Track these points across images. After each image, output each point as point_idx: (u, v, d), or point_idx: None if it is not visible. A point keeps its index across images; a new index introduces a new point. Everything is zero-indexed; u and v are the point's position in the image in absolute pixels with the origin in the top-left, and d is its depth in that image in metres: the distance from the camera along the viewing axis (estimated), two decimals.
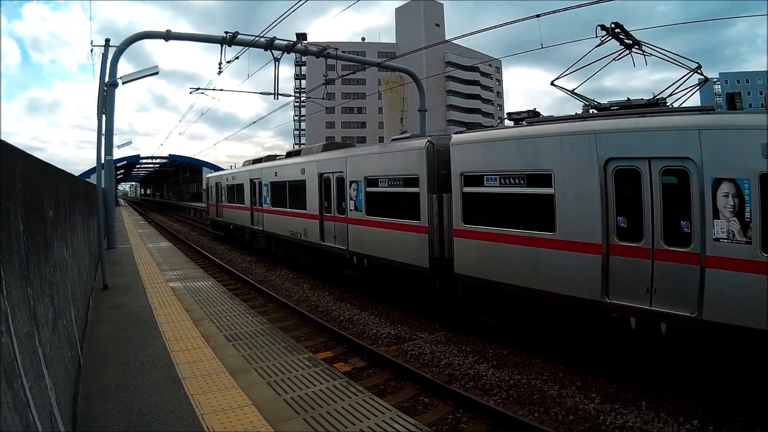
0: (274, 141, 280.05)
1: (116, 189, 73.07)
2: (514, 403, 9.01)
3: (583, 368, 10.37)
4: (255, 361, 7.98)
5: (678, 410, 8.54)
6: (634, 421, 8.22)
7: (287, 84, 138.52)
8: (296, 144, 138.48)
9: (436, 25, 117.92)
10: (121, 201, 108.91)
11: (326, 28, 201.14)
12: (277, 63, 24.32)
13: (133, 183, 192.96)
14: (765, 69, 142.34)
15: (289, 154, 25.02)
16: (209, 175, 43.66)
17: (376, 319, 14.51)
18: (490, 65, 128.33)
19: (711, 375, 8.89)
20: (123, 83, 22.37)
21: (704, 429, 7.95)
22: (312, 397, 6.55)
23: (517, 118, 12.58)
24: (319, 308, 15.87)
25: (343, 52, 28.33)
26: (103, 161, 20.34)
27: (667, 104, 10.07)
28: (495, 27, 18.05)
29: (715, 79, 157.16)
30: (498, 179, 11.58)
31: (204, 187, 46.00)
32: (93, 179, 20.57)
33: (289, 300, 16.46)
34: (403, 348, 11.87)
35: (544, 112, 11.92)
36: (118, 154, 44.64)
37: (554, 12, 15.54)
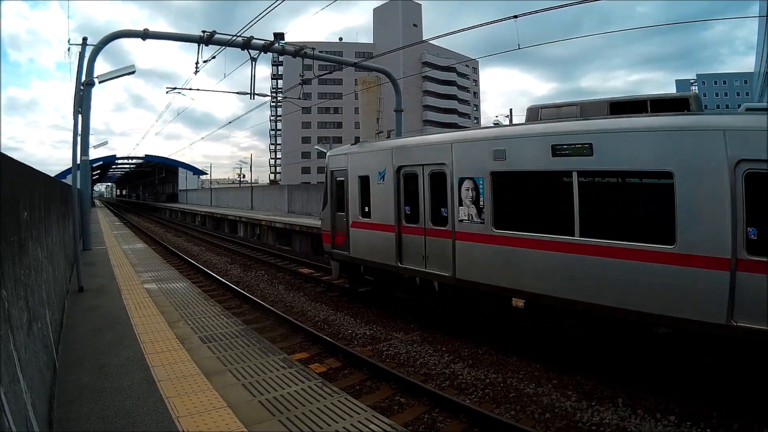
0: (251, 141, 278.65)
1: (92, 190, 72.14)
2: (490, 402, 9.08)
3: (560, 366, 10.51)
4: (230, 362, 7.94)
5: (655, 407, 8.67)
6: (611, 418, 8.32)
7: (264, 84, 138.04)
8: (272, 144, 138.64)
9: (414, 25, 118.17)
10: (97, 202, 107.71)
11: (304, 28, 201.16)
12: (253, 63, 24.26)
13: (109, 184, 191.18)
14: (742, 71, 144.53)
15: None
16: (343, 149, 17.84)
17: (351, 319, 14.61)
18: (467, 65, 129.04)
19: (685, 374, 9.14)
20: (99, 82, 22.09)
21: (681, 425, 8.07)
22: (287, 398, 6.54)
23: None
24: (294, 309, 15.92)
25: (320, 52, 28.30)
26: (78, 162, 20.07)
27: None
28: (472, 27, 18.19)
29: (692, 80, 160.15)
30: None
31: (326, 178, 18.60)
32: (69, 180, 20.35)
33: (264, 301, 16.47)
34: (379, 348, 11.95)
35: (520, 113, 12.94)
36: (94, 154, 41.59)
37: (532, 13, 15.71)
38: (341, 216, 16.77)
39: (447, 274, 12.34)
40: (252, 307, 15.95)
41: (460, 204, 11.96)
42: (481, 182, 11.49)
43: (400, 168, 13.94)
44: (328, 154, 18.52)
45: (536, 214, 10.74)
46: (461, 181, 11.94)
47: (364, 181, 15.53)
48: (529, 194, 10.96)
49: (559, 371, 10.33)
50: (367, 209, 15.49)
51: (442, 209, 12.60)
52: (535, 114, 11.94)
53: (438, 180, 12.73)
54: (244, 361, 8.03)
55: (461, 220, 11.95)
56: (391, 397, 9.18)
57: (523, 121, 12.16)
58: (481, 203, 11.48)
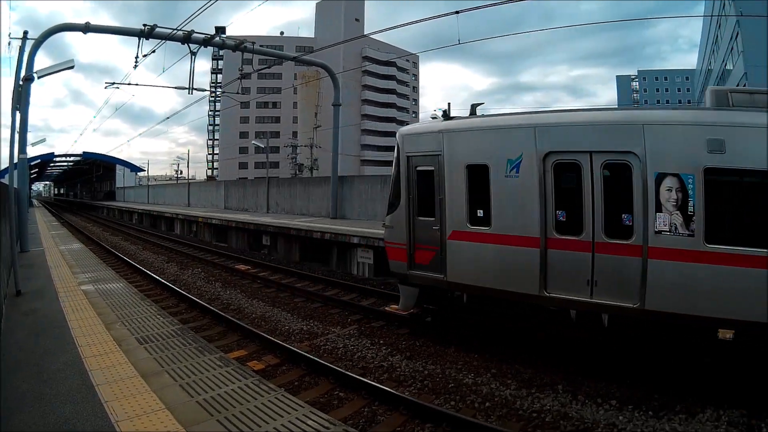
0: (189, 137, 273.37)
1: (30, 189, 69.89)
2: (429, 393, 9.19)
3: (498, 356, 10.72)
4: (167, 363, 7.85)
5: (596, 392, 8.94)
6: (551, 405, 8.54)
7: (204, 78, 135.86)
8: (209, 140, 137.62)
9: (356, 20, 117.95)
10: (35, 202, 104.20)
11: (247, 22, 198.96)
12: (193, 57, 24.00)
13: (48, 182, 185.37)
14: (684, 68, 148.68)
15: None
16: (432, 124, 13.47)
17: (289, 315, 14.60)
18: (408, 60, 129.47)
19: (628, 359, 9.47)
20: (38, 77, 21.47)
21: (623, 408, 8.33)
22: (225, 398, 6.52)
23: None
24: (231, 306, 15.81)
25: (260, 46, 28.12)
26: (16, 160, 19.51)
27: None
28: (414, 22, 18.38)
29: (633, 76, 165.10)
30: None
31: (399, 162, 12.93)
32: (6, 179, 19.74)
33: (201, 299, 16.27)
34: (316, 343, 11.98)
35: (460, 107, 12.05)
36: (32, 152, 39.88)
37: (473, 9, 15.86)
38: (427, 223, 12.03)
39: (630, 305, 9.09)
40: (189, 306, 15.70)
41: (658, 209, 8.91)
42: (690, 181, 8.69)
43: (548, 155, 10.02)
44: (401, 131, 13.15)
45: (762, 224, 8.41)
46: (660, 178, 8.89)
47: (478, 172, 11.11)
48: (755, 200, 8.57)
49: (497, 361, 10.54)
50: (481, 213, 11.04)
51: (625, 216, 9.33)
52: (723, 98, 9.30)
53: (617, 175, 9.46)
54: (181, 361, 7.93)
55: (659, 232, 8.86)
56: (330, 392, 9.18)
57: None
58: (690, 209, 8.66)
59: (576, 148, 9.77)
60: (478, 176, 10.94)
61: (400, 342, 11.89)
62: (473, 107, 12.21)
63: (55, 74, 22.43)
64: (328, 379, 9.69)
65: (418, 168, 12.15)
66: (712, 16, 56.06)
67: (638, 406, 8.37)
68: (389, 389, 8.95)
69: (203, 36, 23.83)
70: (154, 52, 22.32)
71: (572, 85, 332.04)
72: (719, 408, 8.18)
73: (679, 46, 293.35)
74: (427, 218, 11.93)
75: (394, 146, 12.67)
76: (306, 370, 10.23)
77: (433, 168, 11.79)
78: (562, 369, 9.92)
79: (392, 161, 12.80)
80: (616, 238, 9.23)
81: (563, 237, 9.81)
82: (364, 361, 10.79)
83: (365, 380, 9.35)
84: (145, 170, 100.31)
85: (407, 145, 12.48)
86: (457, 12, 16.31)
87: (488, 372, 10.00)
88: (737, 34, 43.94)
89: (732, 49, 47.34)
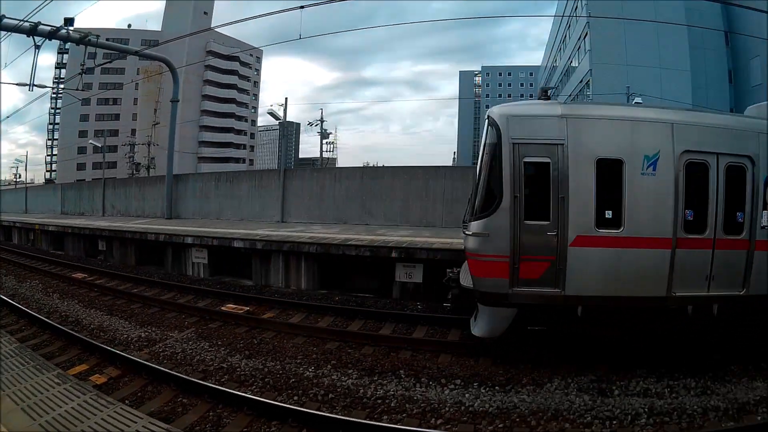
0: (29, 137, 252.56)
1: None
2: (272, 391, 9.43)
3: (336, 347, 11.36)
4: (7, 386, 7.60)
5: (438, 374, 9.60)
6: (395, 390, 9.09)
7: (50, 73, 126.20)
8: (49, 140, 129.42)
9: (204, 13, 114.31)
10: None
11: (98, 14, 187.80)
12: (37, 50, 22.93)
13: None
14: (528, 64, 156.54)
15: None
16: (550, 107, 10.56)
17: (126, 323, 14.34)
18: (251, 55, 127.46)
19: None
20: None
21: (468, 386, 9.06)
22: (65, 417, 6.46)
23: None
24: (69, 318, 15.18)
25: (107, 39, 27.17)
26: None
27: None
28: (259, 16, 18.50)
29: (476, 72, 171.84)
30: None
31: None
32: None
33: (39, 313, 15.44)
34: (155, 350, 11.81)
35: (301, 102, 12.18)
36: None
37: (318, 4, 16.13)
38: (539, 227, 9.94)
39: (737, 293, 9.99)
40: (29, 322, 14.84)
41: (765, 207, 10.08)
42: None
43: (683, 154, 9.88)
44: (503, 111, 10.49)
45: None
46: None
47: (610, 167, 9.87)
48: None
49: (336, 351, 11.13)
50: (609, 214, 9.82)
51: (738, 214, 10.05)
52: None
53: (735, 176, 10.10)
54: (20, 382, 7.72)
55: (764, 227, 10.07)
56: (173, 400, 9.08)
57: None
58: None
59: (706, 148, 9.98)
60: (609, 172, 9.81)
61: (237, 342, 12.11)
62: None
63: None
64: (170, 386, 9.52)
65: (527, 159, 10.01)
66: (563, 16, 60.30)
67: (483, 383, 9.11)
68: (231, 390, 9.06)
69: (49, 28, 22.88)
70: None
71: (415, 80, 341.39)
72: (566, 377, 9.18)
73: (528, 44, 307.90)
74: (538, 222, 9.94)
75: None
76: (148, 378, 9.99)
77: (549, 160, 9.93)
78: (402, 355, 10.62)
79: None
80: (731, 234, 10.00)
81: (690, 236, 9.86)
82: (204, 364, 10.84)
83: (207, 384, 9.37)
84: None
85: (513, 128, 10.12)
86: (301, 7, 16.58)
87: (328, 363, 10.47)
88: (586, 34, 48.17)
89: (579, 47, 51.89)
